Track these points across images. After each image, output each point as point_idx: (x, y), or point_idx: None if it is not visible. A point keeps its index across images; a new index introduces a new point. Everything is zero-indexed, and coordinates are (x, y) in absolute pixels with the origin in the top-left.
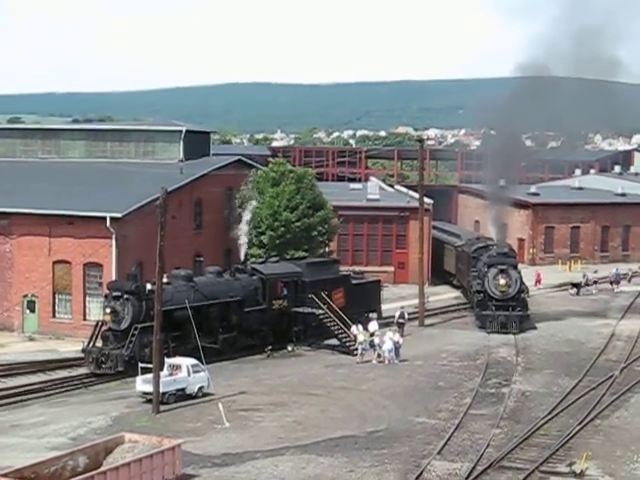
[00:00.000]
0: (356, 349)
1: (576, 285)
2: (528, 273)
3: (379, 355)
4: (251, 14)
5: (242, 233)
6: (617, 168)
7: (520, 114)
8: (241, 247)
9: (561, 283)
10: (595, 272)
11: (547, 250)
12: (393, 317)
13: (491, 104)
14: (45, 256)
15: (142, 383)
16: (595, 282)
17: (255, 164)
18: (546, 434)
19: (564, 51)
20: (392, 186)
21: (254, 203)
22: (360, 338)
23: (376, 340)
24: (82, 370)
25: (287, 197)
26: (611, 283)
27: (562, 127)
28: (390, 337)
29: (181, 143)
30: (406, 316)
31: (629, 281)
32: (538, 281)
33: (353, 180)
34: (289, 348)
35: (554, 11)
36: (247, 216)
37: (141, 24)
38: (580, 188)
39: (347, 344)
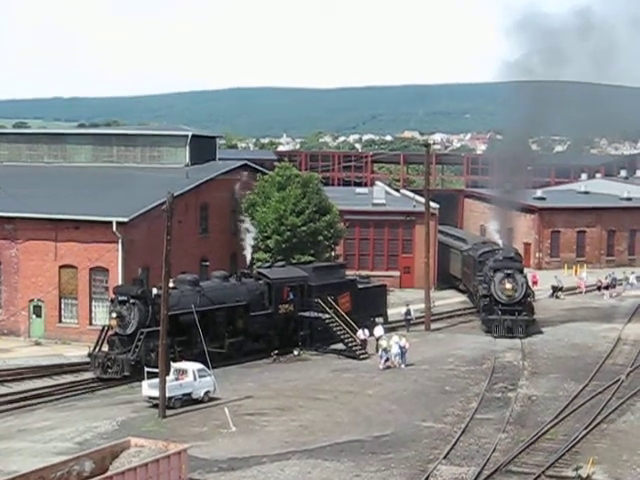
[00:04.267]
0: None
1: (554, 288)
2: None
3: (387, 359)
4: (257, 18)
5: (246, 238)
6: (623, 172)
7: (528, 119)
8: (246, 252)
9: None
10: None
11: (553, 254)
12: (402, 319)
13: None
14: (51, 261)
15: (148, 388)
16: (561, 288)
17: (261, 168)
18: (552, 438)
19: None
20: (398, 190)
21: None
22: (383, 344)
23: (384, 344)
24: (88, 375)
25: (293, 201)
26: (607, 288)
27: (569, 131)
28: (396, 341)
29: (187, 148)
30: (412, 313)
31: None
32: (534, 283)
33: (359, 184)
34: (295, 352)
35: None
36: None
37: (147, 29)
38: (586, 192)
39: (353, 348)
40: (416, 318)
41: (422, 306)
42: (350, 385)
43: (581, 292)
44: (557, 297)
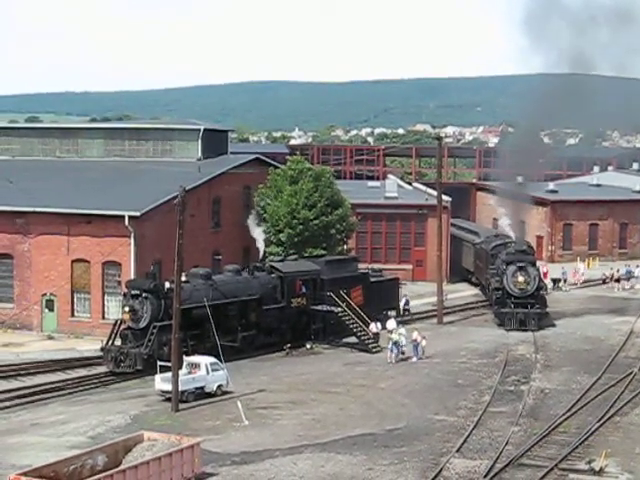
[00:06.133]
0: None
1: (554, 281)
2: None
3: (402, 352)
4: (269, 12)
5: (258, 232)
6: (635, 165)
7: (542, 111)
8: (259, 246)
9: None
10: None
11: (565, 247)
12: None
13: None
14: (63, 255)
15: (161, 381)
16: (565, 280)
17: (273, 162)
18: (565, 431)
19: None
20: (410, 184)
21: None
22: (394, 337)
23: (395, 337)
24: (101, 369)
25: (305, 195)
26: (618, 280)
27: (582, 124)
28: (401, 333)
29: (199, 141)
30: (410, 303)
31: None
32: (544, 275)
33: (371, 178)
34: (308, 346)
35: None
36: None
37: (159, 22)
38: (598, 185)
39: (366, 342)
40: (426, 311)
41: (434, 299)
42: (362, 378)
43: (576, 284)
44: (559, 289)
